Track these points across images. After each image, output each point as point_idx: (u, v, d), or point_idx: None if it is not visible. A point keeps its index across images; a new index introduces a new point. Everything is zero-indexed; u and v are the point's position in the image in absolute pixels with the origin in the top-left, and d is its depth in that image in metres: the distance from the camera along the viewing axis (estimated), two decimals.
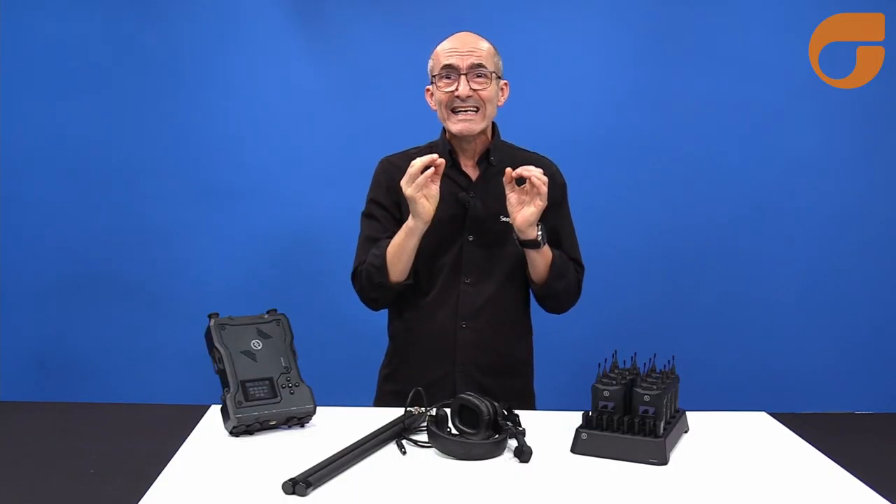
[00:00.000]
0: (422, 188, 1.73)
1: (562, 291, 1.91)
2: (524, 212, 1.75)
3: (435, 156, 1.73)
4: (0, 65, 3.20)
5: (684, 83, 3.21)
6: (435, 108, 1.89)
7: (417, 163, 1.72)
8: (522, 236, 1.79)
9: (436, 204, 1.76)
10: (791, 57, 3.18)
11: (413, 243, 1.80)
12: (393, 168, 1.93)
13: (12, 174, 3.24)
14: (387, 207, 1.92)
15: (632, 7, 3.22)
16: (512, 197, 1.77)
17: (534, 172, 1.72)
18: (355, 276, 1.92)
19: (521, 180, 1.76)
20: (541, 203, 1.74)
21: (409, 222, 1.78)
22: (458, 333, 1.88)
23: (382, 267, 1.83)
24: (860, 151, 3.24)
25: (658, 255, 3.25)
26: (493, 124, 1.93)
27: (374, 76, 3.21)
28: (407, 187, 1.73)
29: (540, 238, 1.79)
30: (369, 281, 1.86)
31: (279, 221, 3.26)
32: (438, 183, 1.76)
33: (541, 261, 1.84)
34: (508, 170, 1.74)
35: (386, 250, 1.83)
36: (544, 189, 1.72)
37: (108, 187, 3.24)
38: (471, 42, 1.85)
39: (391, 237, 1.85)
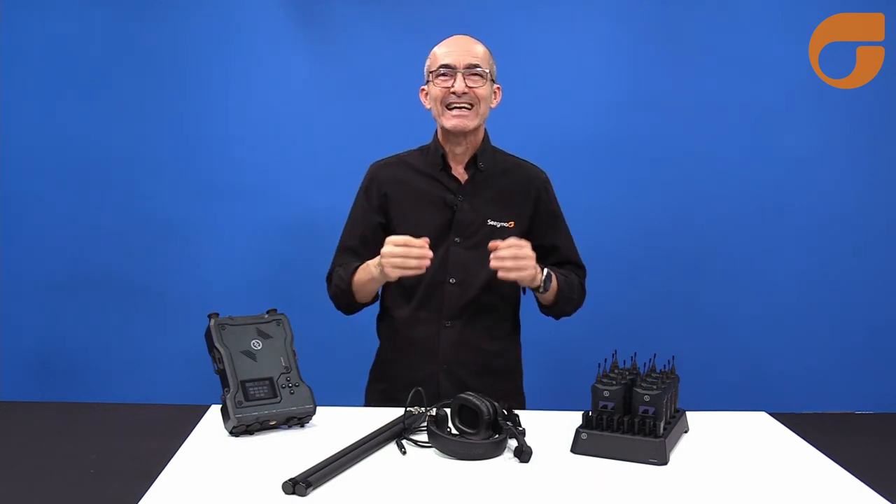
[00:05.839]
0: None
1: (570, 309, 1.98)
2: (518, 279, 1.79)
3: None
4: (0, 65, 3.20)
5: (684, 83, 3.20)
6: (429, 106, 1.91)
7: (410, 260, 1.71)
8: (529, 287, 1.87)
9: None
10: (791, 57, 3.18)
11: (376, 288, 1.89)
12: (382, 172, 1.98)
13: (12, 174, 3.23)
14: (368, 212, 1.96)
15: (632, 7, 3.21)
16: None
17: (500, 249, 1.72)
18: (329, 279, 1.98)
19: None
20: (524, 274, 1.76)
21: (376, 273, 1.79)
22: (441, 333, 1.90)
23: (348, 291, 1.90)
24: (860, 151, 3.24)
25: (657, 254, 3.25)
26: (485, 131, 1.95)
27: (374, 76, 3.21)
28: (384, 263, 1.73)
29: (544, 283, 1.82)
30: (337, 299, 1.95)
31: (279, 221, 3.26)
32: None
33: (549, 294, 1.89)
34: (493, 243, 1.74)
35: (352, 279, 1.88)
36: (508, 263, 1.72)
37: (109, 187, 3.24)
38: (467, 44, 1.89)
39: (365, 244, 1.91)
